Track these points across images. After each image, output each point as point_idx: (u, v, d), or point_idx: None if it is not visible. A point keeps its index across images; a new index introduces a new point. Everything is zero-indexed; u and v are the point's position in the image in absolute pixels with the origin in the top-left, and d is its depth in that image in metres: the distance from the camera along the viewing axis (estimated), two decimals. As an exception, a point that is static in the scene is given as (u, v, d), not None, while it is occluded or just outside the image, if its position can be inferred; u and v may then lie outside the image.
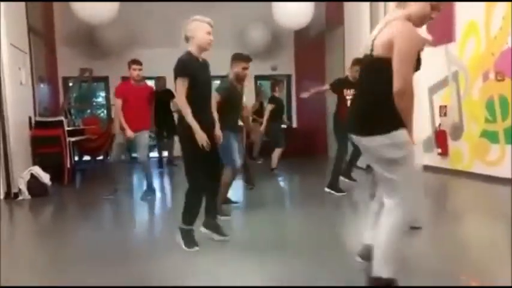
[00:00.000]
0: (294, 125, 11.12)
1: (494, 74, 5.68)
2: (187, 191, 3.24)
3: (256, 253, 3.15)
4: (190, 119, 3.05)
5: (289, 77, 11.23)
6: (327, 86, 5.68)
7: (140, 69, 5.40)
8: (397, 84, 2.05)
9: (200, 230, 3.40)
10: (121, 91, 5.40)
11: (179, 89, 3.09)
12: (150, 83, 7.04)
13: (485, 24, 5.79)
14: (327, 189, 5.26)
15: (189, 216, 3.24)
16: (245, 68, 4.31)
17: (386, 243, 2.13)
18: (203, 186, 3.24)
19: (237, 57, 4.34)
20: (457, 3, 6.23)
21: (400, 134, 2.11)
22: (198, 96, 3.13)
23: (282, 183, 6.82)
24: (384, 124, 2.12)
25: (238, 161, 4.27)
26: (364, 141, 2.21)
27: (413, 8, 2.15)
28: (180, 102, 3.10)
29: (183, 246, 3.17)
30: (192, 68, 3.12)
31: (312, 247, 3.28)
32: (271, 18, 8.61)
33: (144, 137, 5.41)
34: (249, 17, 9.80)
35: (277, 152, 7.38)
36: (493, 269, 2.81)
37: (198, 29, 3.16)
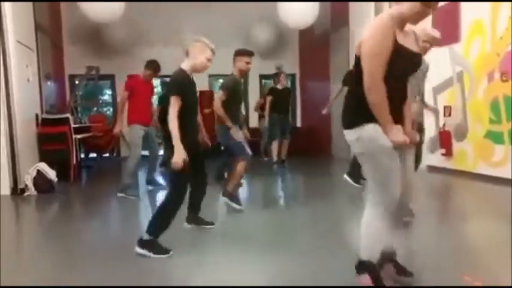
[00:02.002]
0: (298, 124, 11.14)
1: (500, 74, 5.66)
2: (165, 201, 3.17)
3: (257, 251, 3.18)
4: (175, 138, 3.03)
5: (293, 76, 11.26)
6: (339, 88, 5.73)
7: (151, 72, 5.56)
8: (365, 80, 2.05)
9: (184, 226, 3.65)
10: (132, 84, 5.50)
11: (173, 105, 3.10)
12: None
13: (491, 24, 5.78)
14: (345, 177, 5.19)
15: (159, 227, 3.12)
16: (248, 63, 4.39)
17: (364, 233, 2.23)
18: (183, 198, 3.19)
19: (240, 53, 4.45)
20: (463, 3, 6.22)
21: (367, 129, 2.09)
22: (187, 112, 3.19)
23: (282, 182, 6.84)
24: (352, 119, 2.16)
25: (250, 152, 4.39)
26: (344, 135, 2.25)
27: (406, 5, 2.07)
28: (171, 118, 3.07)
29: (153, 255, 3.05)
30: (184, 87, 3.20)
31: (314, 246, 3.30)
32: (276, 17, 8.63)
33: (153, 132, 5.64)
34: (254, 16, 9.83)
35: (274, 144, 7.50)
36: (496, 270, 2.82)
37: (201, 52, 3.23)
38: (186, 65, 3.24)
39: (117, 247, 3.41)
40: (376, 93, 2.04)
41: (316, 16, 8.35)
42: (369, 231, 2.21)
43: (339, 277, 2.61)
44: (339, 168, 6.75)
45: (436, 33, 3.67)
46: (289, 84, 11.07)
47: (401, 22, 2.12)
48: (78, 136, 7.31)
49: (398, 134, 2.08)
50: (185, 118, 3.15)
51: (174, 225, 3.86)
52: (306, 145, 9.41)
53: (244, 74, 4.53)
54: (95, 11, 7.57)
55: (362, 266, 2.25)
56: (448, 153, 6.50)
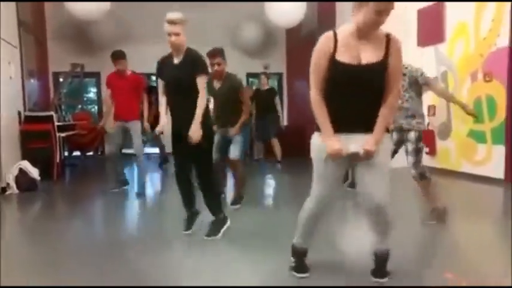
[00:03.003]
0: (285, 122, 11.17)
1: (483, 74, 5.76)
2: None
3: (246, 252, 3.17)
4: (161, 109, 3.44)
5: (280, 75, 11.29)
6: None
7: (120, 63, 5.43)
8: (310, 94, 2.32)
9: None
10: (108, 81, 5.58)
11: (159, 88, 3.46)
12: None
13: (475, 25, 5.87)
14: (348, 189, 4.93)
15: (182, 201, 3.62)
16: (212, 64, 4.26)
17: (299, 221, 2.59)
18: (181, 172, 3.48)
19: (206, 54, 4.21)
20: (448, 4, 6.30)
21: (313, 136, 2.42)
22: (168, 99, 3.41)
23: (270, 182, 6.84)
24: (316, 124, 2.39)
25: (230, 153, 4.48)
26: None
27: (358, 16, 2.16)
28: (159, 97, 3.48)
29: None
30: (160, 67, 3.38)
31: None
32: (263, 16, 8.63)
33: (136, 127, 5.44)
34: (242, 15, 9.82)
35: (259, 145, 7.63)
36: (480, 267, 2.87)
37: (165, 29, 3.24)
38: None
39: (101, 246, 3.38)
40: (314, 107, 2.31)
41: (303, 15, 8.38)
42: (301, 216, 2.56)
43: (328, 276, 2.63)
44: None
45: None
46: (275, 84, 11.13)
47: (361, 33, 2.22)
48: (62, 134, 7.21)
49: (332, 145, 2.26)
50: (167, 97, 3.40)
51: (165, 226, 3.83)
52: (293, 144, 9.42)
53: (217, 75, 4.39)
54: (81, 9, 7.48)
55: (292, 250, 2.68)
56: (432, 152, 6.59)
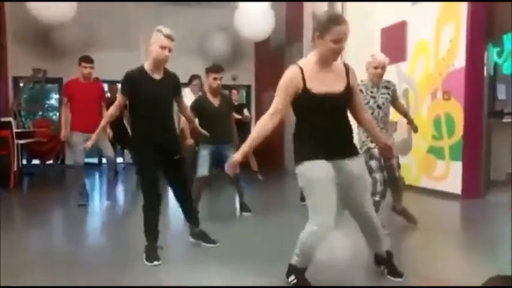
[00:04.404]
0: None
1: (442, 93, 6.01)
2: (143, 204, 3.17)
3: (214, 263, 3.14)
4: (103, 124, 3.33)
5: (249, 87, 11.35)
6: None
7: (91, 68, 5.17)
8: None
9: (189, 240, 3.51)
10: (68, 88, 5.23)
11: (116, 102, 3.19)
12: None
13: (435, 45, 6.13)
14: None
15: (146, 231, 3.17)
16: (215, 79, 4.33)
17: (299, 243, 2.53)
18: (155, 199, 3.14)
19: (208, 69, 4.42)
20: (410, 24, 6.55)
21: (299, 167, 2.43)
22: (140, 109, 3.11)
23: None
24: (295, 155, 2.47)
25: (202, 173, 4.35)
26: None
27: (319, 47, 2.35)
28: (109, 111, 3.29)
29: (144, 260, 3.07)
30: (132, 85, 3.07)
31: (268, 257, 3.31)
32: (232, 28, 8.69)
33: (103, 137, 5.18)
34: (210, 26, 9.84)
35: None
36: (434, 273, 2.95)
37: (155, 41, 3.02)
38: (147, 61, 3.14)
39: (57, 257, 3.26)
40: (259, 122, 2.47)
41: (271, 29, 8.50)
42: (302, 242, 2.50)
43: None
44: (291, 180, 6.83)
45: (384, 59, 3.94)
46: (244, 96, 11.18)
47: (323, 62, 2.38)
48: (21, 141, 6.94)
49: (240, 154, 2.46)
50: (138, 115, 3.13)
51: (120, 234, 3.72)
52: (259, 157, 9.45)
53: (217, 91, 4.41)
54: (43, 11, 7.27)
55: (290, 269, 2.59)
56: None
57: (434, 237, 4.06)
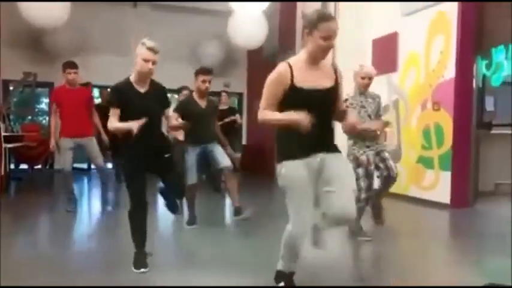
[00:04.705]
0: (244, 142, 11.21)
1: (432, 104, 6.08)
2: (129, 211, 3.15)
3: (201, 270, 3.11)
4: (118, 125, 3.07)
5: (241, 95, 11.38)
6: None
7: (75, 73, 5.13)
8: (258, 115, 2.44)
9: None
10: (55, 95, 5.20)
11: (110, 116, 3.08)
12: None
13: (425, 57, 6.21)
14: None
15: (133, 238, 3.14)
16: (204, 81, 4.34)
17: (282, 249, 2.57)
18: (141, 206, 3.12)
19: (197, 71, 4.44)
20: (401, 36, 6.64)
21: (282, 165, 2.43)
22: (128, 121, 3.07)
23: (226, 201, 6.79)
24: (277, 155, 2.48)
25: (192, 178, 4.35)
26: None
27: (308, 45, 2.36)
28: (109, 127, 3.11)
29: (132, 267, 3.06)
30: (120, 97, 3.05)
31: (259, 263, 3.30)
32: (225, 36, 8.71)
33: (92, 144, 5.17)
34: (203, 33, 9.87)
35: None
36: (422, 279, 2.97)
37: (139, 53, 2.99)
38: (133, 73, 3.11)
39: (44, 263, 3.22)
40: (266, 115, 2.41)
41: (264, 37, 8.54)
42: (283, 244, 2.53)
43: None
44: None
45: (371, 70, 3.97)
46: (236, 103, 11.19)
47: (312, 60, 2.39)
48: (9, 145, 6.85)
49: (300, 115, 2.26)
50: (131, 133, 3.03)
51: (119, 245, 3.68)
52: (251, 163, 9.46)
53: (205, 93, 4.42)
54: (35, 15, 7.22)
55: (278, 275, 2.62)
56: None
57: (423, 245, 4.09)
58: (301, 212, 2.40)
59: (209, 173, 5.03)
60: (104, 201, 5.48)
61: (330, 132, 2.53)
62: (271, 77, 2.41)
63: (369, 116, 3.96)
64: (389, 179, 4.05)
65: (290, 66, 2.39)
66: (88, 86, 5.59)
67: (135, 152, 3.09)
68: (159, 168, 3.26)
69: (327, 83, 2.42)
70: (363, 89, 3.98)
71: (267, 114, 2.41)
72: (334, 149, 2.48)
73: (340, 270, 3.24)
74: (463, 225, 5.10)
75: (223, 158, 4.40)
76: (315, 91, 2.37)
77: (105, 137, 5.47)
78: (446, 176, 5.78)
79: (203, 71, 4.41)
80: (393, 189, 6.54)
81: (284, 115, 2.34)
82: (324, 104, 2.41)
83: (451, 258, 3.80)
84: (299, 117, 2.26)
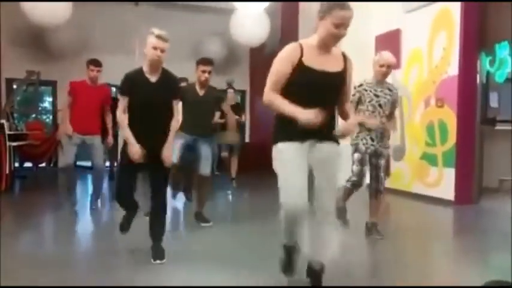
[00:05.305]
0: (247, 139, 11.21)
1: (435, 100, 6.06)
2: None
3: (203, 270, 3.13)
4: (125, 132, 3.12)
5: (243, 92, 11.37)
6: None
7: (98, 71, 5.14)
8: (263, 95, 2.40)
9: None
10: (73, 88, 5.15)
11: (119, 105, 3.17)
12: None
13: (428, 53, 6.19)
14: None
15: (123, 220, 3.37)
16: (204, 71, 4.31)
17: (282, 225, 2.51)
18: (127, 205, 3.29)
19: (198, 61, 4.41)
20: (404, 32, 6.62)
21: (275, 148, 2.44)
22: (136, 116, 3.12)
23: (230, 198, 6.81)
24: (272, 137, 2.47)
25: (201, 169, 4.31)
26: None
27: (319, 30, 2.34)
28: (117, 117, 3.19)
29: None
30: (131, 86, 3.10)
31: (262, 261, 3.30)
32: (227, 33, 8.71)
33: (98, 143, 5.15)
34: (206, 31, 9.86)
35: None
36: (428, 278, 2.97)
37: (148, 42, 3.05)
38: (144, 63, 3.14)
39: (49, 260, 3.23)
40: (272, 98, 2.35)
41: (267, 35, 8.53)
42: (282, 221, 2.48)
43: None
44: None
45: (390, 58, 3.88)
46: (239, 100, 11.19)
47: (322, 45, 2.37)
48: (13, 144, 6.87)
49: (307, 113, 2.23)
50: (132, 117, 3.13)
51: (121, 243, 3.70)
52: (254, 160, 9.45)
53: (205, 83, 4.36)
54: (39, 13, 7.23)
55: (283, 248, 2.63)
56: (386, 173, 6.80)
57: (427, 243, 4.08)
58: (291, 190, 2.33)
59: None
60: (91, 201, 5.43)
61: (332, 118, 2.47)
62: (280, 54, 2.37)
63: (380, 106, 3.85)
64: (376, 192, 3.96)
65: (301, 45, 2.37)
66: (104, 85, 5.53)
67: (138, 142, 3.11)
68: (152, 172, 3.25)
69: (335, 67, 2.40)
70: (380, 78, 3.87)
71: (276, 98, 2.34)
72: (331, 137, 2.45)
73: (342, 266, 3.24)
74: (467, 222, 5.09)
75: (206, 165, 4.35)
76: (323, 73, 2.34)
77: (111, 140, 5.47)
78: (450, 173, 5.77)
79: (203, 61, 4.38)
80: (397, 185, 6.61)
81: (292, 110, 2.27)
82: (330, 88, 2.39)
83: (454, 255, 3.79)
84: (308, 116, 2.20)
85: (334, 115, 2.52)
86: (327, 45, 2.37)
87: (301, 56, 2.33)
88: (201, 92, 4.39)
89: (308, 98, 2.31)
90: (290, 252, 2.63)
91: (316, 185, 2.44)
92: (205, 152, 4.36)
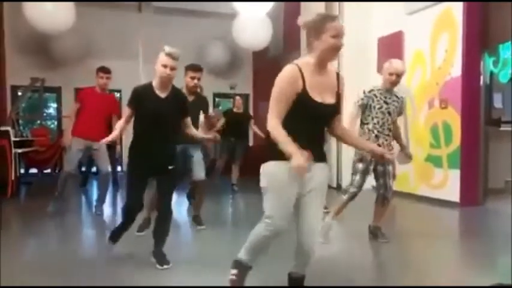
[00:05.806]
0: (250, 143, 11.22)
1: (439, 102, 6.04)
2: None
3: (205, 274, 3.13)
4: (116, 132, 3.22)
5: (247, 96, 11.39)
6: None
7: (108, 78, 5.18)
8: (268, 120, 2.33)
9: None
10: (82, 94, 5.21)
11: (122, 114, 3.26)
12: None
13: (431, 55, 6.18)
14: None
15: (116, 231, 3.40)
16: (193, 78, 4.27)
17: (250, 239, 2.52)
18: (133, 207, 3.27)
19: (186, 67, 4.34)
20: (406, 34, 6.62)
21: (267, 165, 2.40)
22: (141, 125, 3.17)
23: (231, 201, 6.82)
24: (264, 155, 2.43)
25: (195, 174, 4.31)
26: None
27: (318, 45, 2.31)
28: (118, 125, 3.28)
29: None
30: (139, 100, 3.15)
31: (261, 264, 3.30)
32: (230, 37, 8.73)
33: (103, 149, 5.17)
34: (209, 35, 9.90)
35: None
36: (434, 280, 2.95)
37: (159, 59, 3.08)
38: (155, 79, 3.18)
39: (53, 266, 3.25)
40: (276, 129, 2.28)
41: (269, 38, 8.55)
42: (253, 238, 2.49)
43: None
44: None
45: (401, 66, 3.90)
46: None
47: (321, 62, 2.34)
48: (19, 150, 6.92)
49: (300, 159, 2.18)
50: (140, 131, 3.18)
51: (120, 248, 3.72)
52: (257, 164, 9.43)
53: (193, 89, 4.34)
54: (42, 21, 7.29)
55: (236, 263, 2.58)
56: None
57: (433, 244, 4.06)
58: (278, 215, 2.35)
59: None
60: (96, 206, 5.44)
61: (322, 141, 2.53)
62: (284, 77, 2.32)
63: (389, 113, 3.87)
64: (383, 199, 3.94)
65: (300, 69, 2.33)
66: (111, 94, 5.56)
67: (140, 159, 3.16)
68: (159, 179, 3.28)
69: (331, 97, 2.39)
70: (389, 86, 3.87)
71: (278, 129, 2.28)
72: (321, 158, 2.45)
73: (348, 269, 3.24)
74: (473, 223, 5.06)
75: (199, 169, 4.34)
76: (322, 106, 2.35)
77: (118, 148, 5.46)
78: (455, 175, 5.75)
79: (192, 67, 4.32)
80: (402, 188, 6.58)
81: (288, 145, 2.22)
82: (325, 118, 2.44)
83: (461, 257, 3.77)
84: (298, 160, 2.16)
85: (324, 137, 2.58)
86: (325, 61, 2.36)
87: (303, 82, 2.30)
88: (190, 98, 4.36)
89: (300, 125, 2.32)
90: (245, 272, 2.59)
91: (302, 203, 2.41)
92: (197, 157, 4.36)
